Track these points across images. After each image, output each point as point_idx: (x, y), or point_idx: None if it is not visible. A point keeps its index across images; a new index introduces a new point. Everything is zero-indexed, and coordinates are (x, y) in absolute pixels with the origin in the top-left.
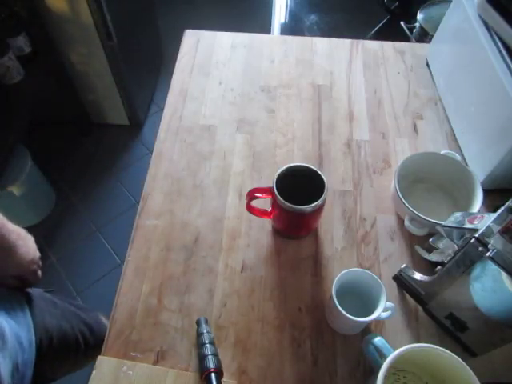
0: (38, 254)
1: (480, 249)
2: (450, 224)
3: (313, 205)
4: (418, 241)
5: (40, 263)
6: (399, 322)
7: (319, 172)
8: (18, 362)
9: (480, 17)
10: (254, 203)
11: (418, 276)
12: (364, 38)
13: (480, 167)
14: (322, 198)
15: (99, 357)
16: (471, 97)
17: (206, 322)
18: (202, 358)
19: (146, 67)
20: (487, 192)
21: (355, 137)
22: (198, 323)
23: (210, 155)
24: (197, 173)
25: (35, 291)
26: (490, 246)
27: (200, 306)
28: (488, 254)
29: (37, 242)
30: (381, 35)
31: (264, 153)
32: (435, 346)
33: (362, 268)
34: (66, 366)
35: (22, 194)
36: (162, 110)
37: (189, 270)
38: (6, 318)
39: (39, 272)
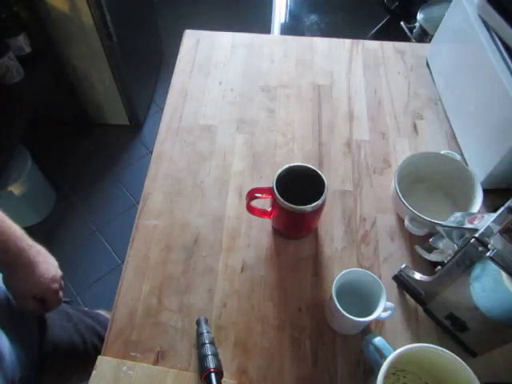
0: (59, 272)
1: (480, 249)
2: (450, 224)
3: (313, 205)
4: (418, 241)
5: (62, 283)
6: (399, 322)
7: (319, 172)
8: (16, 380)
9: (480, 17)
10: (254, 203)
11: (417, 276)
12: (364, 38)
13: (480, 167)
14: (322, 198)
15: (99, 357)
16: (471, 97)
17: (206, 322)
18: (201, 358)
19: (146, 67)
20: (487, 192)
21: (355, 137)
22: (198, 323)
23: (210, 155)
24: (197, 173)
25: None
26: (490, 246)
27: (200, 306)
28: (488, 254)
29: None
30: (381, 35)
31: (264, 153)
32: (435, 346)
33: (361, 268)
34: (74, 378)
35: (22, 194)
36: (162, 110)
37: (189, 270)
38: (7, 333)
39: (61, 293)
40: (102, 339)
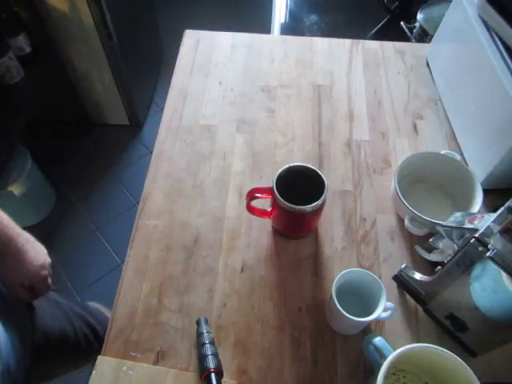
0: (48, 259)
1: (480, 249)
2: (450, 224)
3: (313, 205)
4: (418, 241)
5: (50, 271)
6: (399, 322)
7: (319, 172)
8: (10, 365)
9: (480, 17)
10: (254, 203)
11: (417, 276)
12: (364, 38)
13: (480, 167)
14: (322, 198)
15: (99, 357)
16: (471, 97)
17: (206, 321)
18: (201, 357)
19: (146, 67)
20: (487, 192)
21: (355, 137)
22: (198, 323)
23: (210, 155)
24: (197, 173)
25: None
26: (490, 246)
27: (200, 306)
28: (488, 254)
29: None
30: (381, 35)
31: (264, 153)
32: (435, 346)
33: (361, 268)
34: (66, 366)
35: (22, 194)
36: (162, 110)
37: (189, 270)
38: (1, 321)
39: (49, 280)
40: (91, 328)
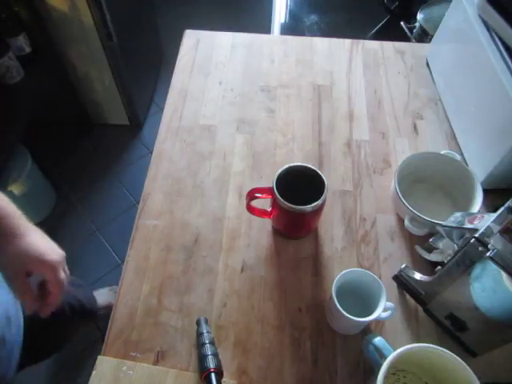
0: (61, 251)
1: (480, 249)
2: (450, 224)
3: (313, 205)
4: (418, 241)
5: (66, 267)
6: (399, 322)
7: (319, 172)
8: (6, 337)
9: (480, 17)
10: (254, 203)
11: (417, 276)
12: (364, 38)
13: (480, 167)
14: (322, 198)
15: (99, 357)
16: (471, 97)
17: (206, 322)
18: (201, 357)
19: (146, 67)
20: (487, 192)
21: (355, 137)
22: (198, 323)
23: (210, 155)
24: (197, 173)
25: None
26: (490, 246)
27: (200, 306)
28: (488, 254)
29: None
30: (381, 35)
31: (264, 153)
32: (435, 346)
33: (362, 268)
34: (55, 338)
35: (22, 194)
36: (162, 110)
37: (189, 270)
38: None
39: (62, 274)
40: (76, 299)
